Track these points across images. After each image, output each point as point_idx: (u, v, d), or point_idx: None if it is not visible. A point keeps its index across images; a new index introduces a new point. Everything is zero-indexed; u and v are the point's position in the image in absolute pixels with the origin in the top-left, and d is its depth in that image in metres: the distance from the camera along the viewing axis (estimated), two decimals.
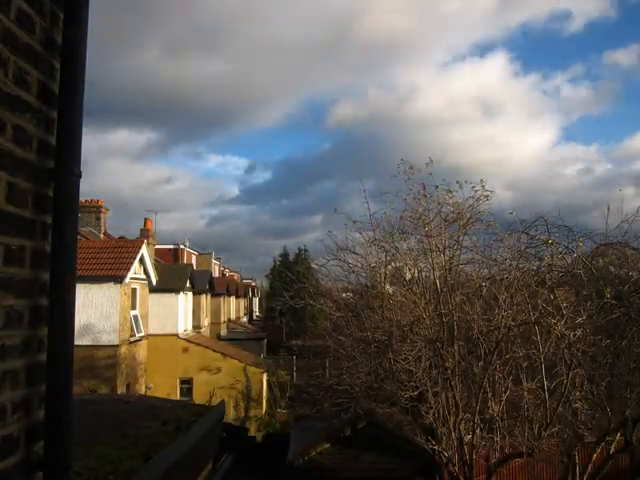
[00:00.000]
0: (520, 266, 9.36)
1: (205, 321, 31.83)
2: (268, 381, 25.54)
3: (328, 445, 12.00)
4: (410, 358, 9.14)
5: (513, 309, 8.77)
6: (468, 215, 10.05)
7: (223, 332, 35.33)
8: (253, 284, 63.31)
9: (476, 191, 9.90)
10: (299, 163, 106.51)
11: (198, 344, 25.53)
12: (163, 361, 22.93)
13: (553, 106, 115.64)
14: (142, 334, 21.70)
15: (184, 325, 26.78)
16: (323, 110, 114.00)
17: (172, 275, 25.89)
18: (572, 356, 8.23)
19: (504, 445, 9.15)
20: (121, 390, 18.85)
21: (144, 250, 21.31)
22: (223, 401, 9.57)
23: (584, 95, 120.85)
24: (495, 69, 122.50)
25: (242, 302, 49.93)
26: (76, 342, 2.00)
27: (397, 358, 9.35)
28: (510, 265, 9.43)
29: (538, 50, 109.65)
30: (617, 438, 9.10)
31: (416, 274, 10.86)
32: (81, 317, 17.40)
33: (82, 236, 23.21)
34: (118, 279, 19.02)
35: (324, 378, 12.64)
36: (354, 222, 10.83)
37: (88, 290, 18.17)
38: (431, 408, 9.16)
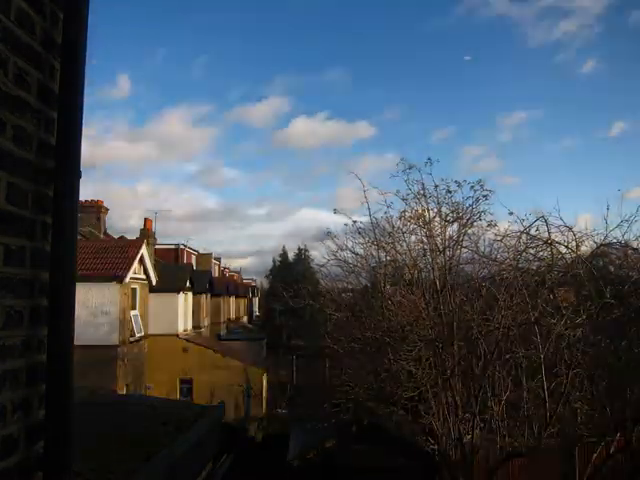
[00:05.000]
0: (520, 266, 9.36)
1: (205, 321, 31.83)
2: (268, 381, 25.55)
3: (328, 445, 12.01)
4: (410, 358, 9.13)
5: (513, 309, 8.77)
6: (468, 215, 10.06)
7: (223, 332, 35.33)
8: (253, 284, 63.36)
9: (475, 191, 9.91)
10: None
11: (198, 344, 25.53)
12: (163, 361, 22.92)
13: None
14: (142, 334, 21.70)
15: (184, 325, 26.78)
16: None
17: (172, 275, 25.90)
18: (572, 356, 8.22)
19: (504, 445, 9.15)
20: (121, 390, 18.84)
21: (144, 250, 21.31)
22: (223, 401, 9.57)
23: None
24: None
25: (242, 302, 49.93)
26: (76, 342, 2.00)
27: (397, 358, 9.35)
28: (510, 265, 9.42)
29: None
30: (617, 438, 9.09)
31: (416, 274, 10.86)
32: (81, 317, 17.39)
33: (82, 236, 23.20)
34: (118, 279, 19.02)
35: (324, 378, 12.64)
36: (354, 222, 10.83)
37: (88, 290, 18.16)
38: (431, 408, 9.16)
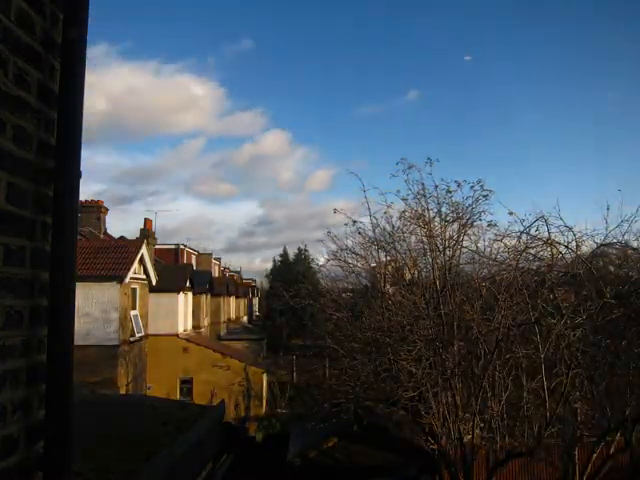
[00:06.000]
0: (520, 266, 9.35)
1: (205, 321, 31.83)
2: (268, 381, 25.55)
3: (328, 444, 12.02)
4: (410, 358, 9.13)
5: (513, 309, 8.76)
6: (468, 215, 10.06)
7: (223, 332, 35.33)
8: (253, 284, 63.35)
9: (475, 191, 9.91)
10: None
11: (198, 344, 25.54)
12: (163, 361, 22.93)
13: None
14: (142, 334, 21.69)
15: (184, 325, 26.79)
16: None
17: (172, 275, 25.91)
18: (572, 356, 8.22)
19: (504, 445, 9.14)
20: (121, 390, 18.84)
21: (144, 250, 21.32)
22: (223, 401, 9.57)
23: None
24: None
25: (242, 302, 49.92)
26: (76, 342, 2.00)
27: (397, 358, 9.35)
28: (510, 265, 9.42)
29: None
30: (617, 438, 9.09)
31: (416, 274, 10.86)
32: (81, 317, 17.39)
33: (82, 236, 23.21)
34: (118, 279, 19.02)
35: (324, 378, 12.65)
36: (354, 222, 10.81)
37: (88, 290, 18.16)
38: (431, 408, 9.16)
